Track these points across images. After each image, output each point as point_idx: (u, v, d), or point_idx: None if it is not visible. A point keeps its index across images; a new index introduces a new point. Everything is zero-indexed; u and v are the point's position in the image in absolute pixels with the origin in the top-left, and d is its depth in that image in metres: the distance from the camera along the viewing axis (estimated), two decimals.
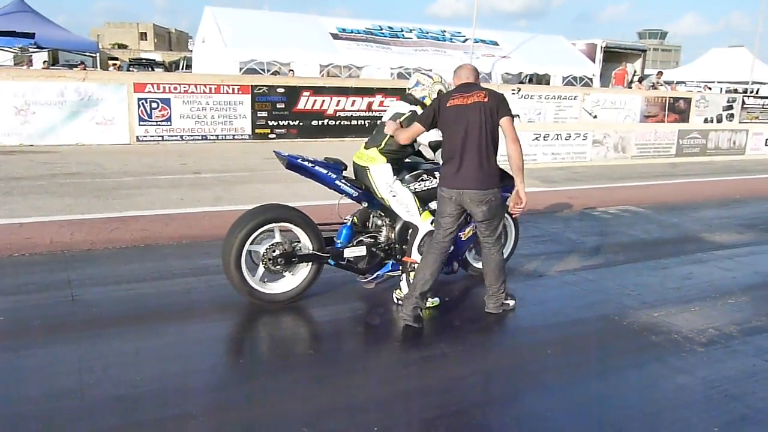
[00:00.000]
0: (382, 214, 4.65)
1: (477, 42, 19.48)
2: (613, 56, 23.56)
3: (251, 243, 4.17)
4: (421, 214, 4.43)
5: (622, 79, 20.98)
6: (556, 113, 17.62)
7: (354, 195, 4.49)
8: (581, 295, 4.93)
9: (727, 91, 28.04)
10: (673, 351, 3.93)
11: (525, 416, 3.19)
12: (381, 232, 4.65)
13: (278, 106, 14.45)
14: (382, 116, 4.72)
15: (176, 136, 13.04)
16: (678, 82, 32.31)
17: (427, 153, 4.97)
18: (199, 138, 13.26)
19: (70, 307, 4.24)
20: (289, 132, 14.66)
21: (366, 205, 4.63)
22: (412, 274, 4.33)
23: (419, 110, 4.45)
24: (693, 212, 8.42)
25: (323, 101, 14.98)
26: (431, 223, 4.36)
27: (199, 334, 3.95)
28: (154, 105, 12.75)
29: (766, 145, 16.22)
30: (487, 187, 4.02)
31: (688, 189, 10.64)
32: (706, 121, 19.96)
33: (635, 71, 23.32)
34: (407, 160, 4.74)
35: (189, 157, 11.25)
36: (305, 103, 14.76)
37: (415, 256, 4.40)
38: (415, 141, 4.47)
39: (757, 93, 26.88)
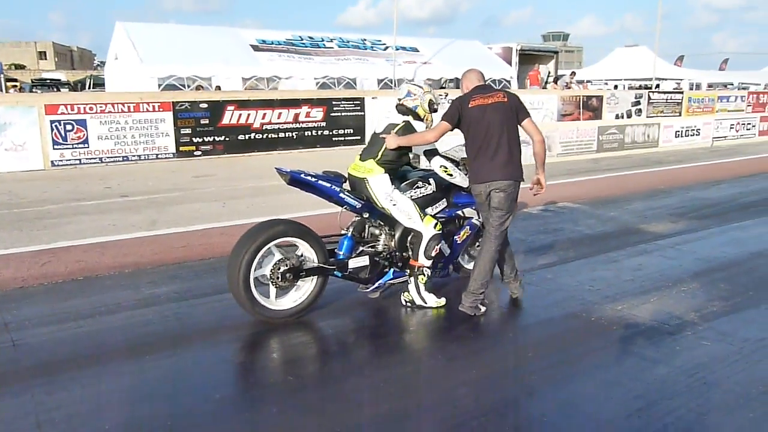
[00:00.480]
0: (381, 224, 4.69)
1: (398, 49, 19.62)
2: (528, 58, 24.38)
3: (259, 260, 4.14)
4: (423, 220, 4.51)
5: (536, 79, 21.72)
6: None
7: (357, 206, 4.51)
8: (544, 295, 4.97)
9: (629, 88, 29.63)
10: (645, 343, 4.00)
11: (524, 423, 3.14)
12: (379, 241, 4.70)
13: (202, 121, 14.01)
14: (375, 129, 4.76)
15: (95, 158, 12.36)
16: (586, 81, 33.89)
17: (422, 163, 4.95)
18: (120, 159, 12.63)
19: (12, 353, 3.84)
20: (216, 148, 14.22)
21: (367, 215, 4.63)
22: (420, 277, 4.52)
23: (411, 120, 4.57)
24: (626, 205, 8.74)
25: (249, 115, 14.64)
26: (435, 227, 4.51)
27: (163, 370, 3.67)
28: (68, 127, 12.03)
29: (676, 136, 17.19)
30: (512, 178, 4.36)
31: (616, 183, 11.08)
32: (617, 117, 20.94)
33: (549, 72, 24.23)
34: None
35: (112, 180, 10.66)
36: (230, 117, 14.37)
37: (422, 260, 4.53)
38: (411, 150, 4.60)
39: (658, 88, 28.50)
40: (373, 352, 4.09)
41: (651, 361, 3.74)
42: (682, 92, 25.46)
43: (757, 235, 7.01)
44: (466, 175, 4.74)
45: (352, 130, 16.13)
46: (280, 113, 15.13)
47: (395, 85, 19.04)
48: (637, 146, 16.07)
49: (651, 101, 22.77)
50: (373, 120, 16.26)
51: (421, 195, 4.67)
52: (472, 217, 5.01)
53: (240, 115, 14.49)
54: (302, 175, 4.29)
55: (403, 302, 4.64)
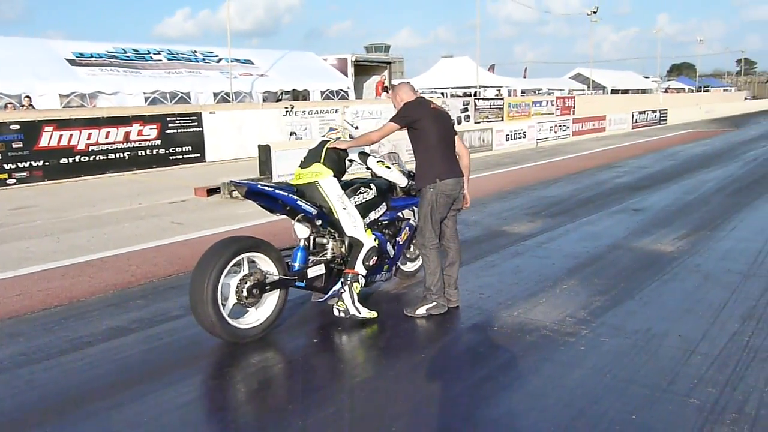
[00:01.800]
0: (332, 231, 4.71)
1: (233, 61, 18.88)
2: (363, 69, 24.80)
3: (224, 279, 4.03)
4: (365, 231, 4.62)
5: (381, 87, 22.18)
6: (321, 127, 17.87)
7: (314, 213, 4.51)
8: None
9: (452, 96, 31.40)
10: (552, 347, 4.04)
11: None
12: (327, 249, 4.72)
13: (14, 145, 12.42)
14: (308, 149, 4.87)
15: None
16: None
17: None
18: None
19: None
20: (33, 174, 12.64)
21: (320, 222, 4.62)
22: (355, 285, 4.54)
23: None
24: (483, 208, 9.06)
25: (71, 135, 13.22)
26: (375, 241, 4.66)
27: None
28: None
29: (506, 140, 18.42)
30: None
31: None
32: None
33: (386, 81, 24.83)
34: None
35: None
36: (48, 139, 12.87)
37: (359, 268, 4.57)
38: (347, 156, 4.79)
39: (483, 95, 30.53)
40: (365, 360, 3.74)
41: (565, 365, 3.77)
42: (503, 98, 27.48)
43: (605, 228, 7.58)
44: (405, 174, 5.07)
45: (190, 148, 15.20)
46: (108, 132, 13.83)
47: (233, 99, 18.30)
48: (475, 150, 16.94)
49: (477, 107, 24.27)
50: (213, 135, 15.45)
51: (364, 200, 4.83)
52: (410, 218, 5.18)
53: (61, 136, 13.02)
54: (259, 186, 4.37)
55: (336, 312, 4.56)
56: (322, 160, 4.64)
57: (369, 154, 5.06)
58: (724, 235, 7.07)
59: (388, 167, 5.03)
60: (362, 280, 4.64)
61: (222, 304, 4.00)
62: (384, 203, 5.03)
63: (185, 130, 15.12)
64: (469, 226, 7.85)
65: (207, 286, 3.90)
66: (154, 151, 14.51)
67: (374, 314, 4.59)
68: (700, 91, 62.85)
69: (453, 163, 4.68)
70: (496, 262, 6.13)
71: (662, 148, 18.32)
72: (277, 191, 4.41)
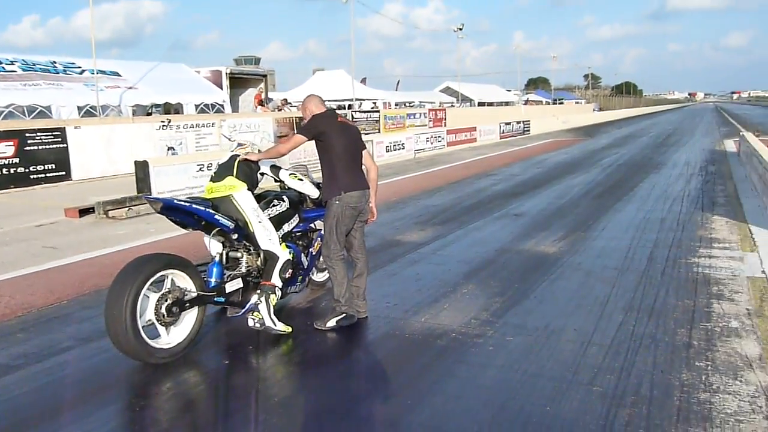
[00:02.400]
0: (247, 245, 4.67)
1: (98, 73, 17.74)
2: (238, 82, 24.25)
3: (141, 299, 3.87)
4: (280, 245, 4.61)
5: (260, 101, 21.79)
6: (197, 142, 17.30)
7: (231, 226, 4.44)
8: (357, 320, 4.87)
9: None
10: (463, 350, 4.19)
11: None
12: (241, 263, 4.70)
13: None
14: (218, 162, 4.79)
15: None
16: (286, 103, 35.17)
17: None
18: None
19: None
20: None
21: (236, 236, 4.56)
22: (272, 297, 4.52)
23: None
24: None
25: None
26: (289, 254, 4.66)
27: None
28: None
29: (386, 151, 18.81)
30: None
31: None
32: None
33: (264, 94, 24.43)
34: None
35: None
36: None
37: (276, 281, 4.55)
38: (259, 169, 4.78)
39: (360, 107, 30.94)
40: (283, 374, 3.60)
41: (477, 366, 3.93)
42: (379, 111, 28.04)
43: (491, 232, 7.99)
44: (315, 186, 5.08)
45: (54, 165, 14.06)
46: None
47: (100, 113, 17.18)
48: None
49: (354, 120, 24.57)
50: (79, 152, 14.41)
51: (277, 213, 4.83)
52: (321, 229, 5.05)
53: None
54: (175, 201, 4.31)
55: (251, 323, 4.50)
56: (235, 174, 4.55)
57: (280, 167, 5.04)
58: (597, 234, 7.70)
59: (300, 179, 5.05)
60: (279, 292, 4.63)
61: (142, 327, 3.85)
62: (296, 215, 5.05)
63: (47, 146, 13.96)
64: (365, 235, 7.92)
65: (125, 311, 3.74)
66: (12, 170, 13.27)
67: (289, 329, 4.55)
68: (556, 104, 67.97)
69: (358, 176, 4.73)
70: (396, 271, 6.25)
71: (529, 157, 19.58)
72: (193, 206, 4.31)
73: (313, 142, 4.63)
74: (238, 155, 4.71)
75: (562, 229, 8.02)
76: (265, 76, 26.13)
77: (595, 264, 6.30)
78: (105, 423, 3.39)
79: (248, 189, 4.61)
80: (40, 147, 13.83)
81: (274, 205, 4.88)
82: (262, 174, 4.91)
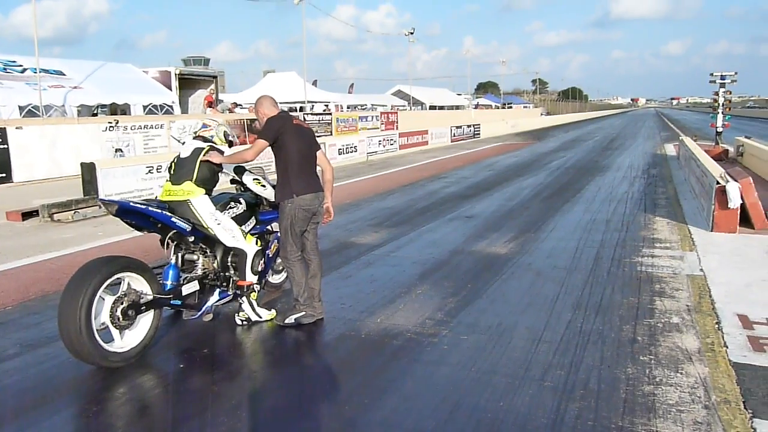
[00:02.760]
0: (204, 247, 4.71)
1: (41, 72, 17.13)
2: (188, 83, 23.80)
3: (96, 302, 3.83)
4: (245, 238, 4.71)
5: (211, 102, 21.45)
6: (146, 143, 16.92)
7: (188, 229, 4.47)
8: (313, 322, 4.87)
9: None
10: (419, 349, 4.26)
11: None
12: (197, 265, 4.72)
13: None
14: (179, 154, 4.79)
15: None
16: (235, 104, 34.74)
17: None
18: None
19: None
20: None
21: (192, 238, 4.57)
22: (252, 294, 4.74)
23: (214, 145, 4.82)
24: None
25: None
26: (256, 244, 4.79)
27: None
28: None
29: (339, 153, 18.82)
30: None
31: None
32: None
33: (215, 95, 24.05)
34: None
35: None
36: None
37: (250, 277, 4.73)
38: (222, 170, 4.75)
39: (312, 109, 30.82)
40: (239, 374, 3.61)
41: (432, 364, 4.01)
42: (331, 113, 27.99)
43: (444, 234, 8.11)
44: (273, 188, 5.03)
45: None
46: None
47: (43, 113, 16.61)
48: None
49: (306, 122, 24.46)
50: (21, 153, 13.89)
51: (234, 215, 4.84)
52: (277, 231, 5.10)
53: None
54: (131, 204, 4.28)
55: (239, 322, 4.76)
56: (194, 179, 4.58)
57: (245, 170, 5.10)
58: (546, 236, 7.92)
59: (263, 186, 5.09)
60: (257, 287, 4.83)
61: (96, 330, 3.81)
62: (253, 217, 5.09)
63: None
64: (318, 238, 7.92)
65: (80, 314, 3.69)
66: None
67: (273, 312, 4.85)
68: (505, 108, 69.25)
69: (311, 179, 4.76)
70: (351, 273, 6.29)
71: (480, 160, 19.92)
72: (150, 208, 4.30)
73: None
74: (202, 149, 4.68)
75: (513, 231, 8.21)
76: (215, 77, 25.75)
77: (545, 264, 6.49)
78: (56, 427, 3.31)
79: (207, 192, 4.63)
80: None
81: (230, 207, 4.90)
82: (233, 181, 5.07)
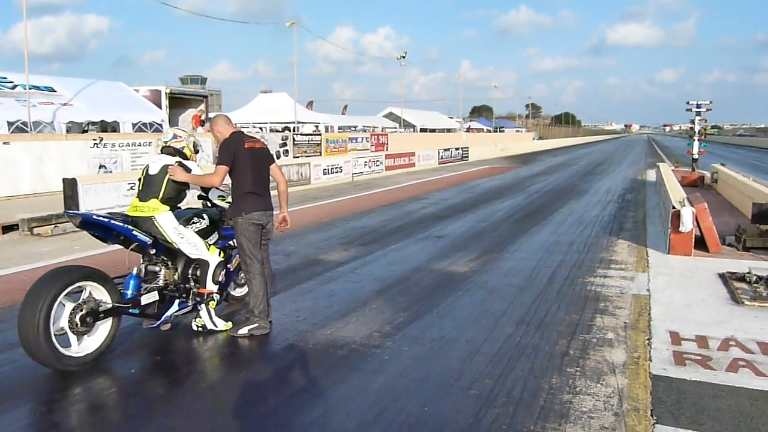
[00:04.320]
0: (165, 259, 4.99)
1: (31, 89, 17.44)
2: (178, 102, 24.16)
3: (56, 308, 4.07)
4: (208, 249, 5.02)
5: (199, 121, 21.77)
6: (133, 161, 17.16)
7: (148, 242, 4.73)
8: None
9: (272, 131, 31.78)
10: (360, 359, 4.50)
11: None
12: (159, 276, 4.97)
13: None
14: (147, 167, 5.04)
15: None
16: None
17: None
18: None
19: None
20: None
21: (154, 251, 4.85)
22: (211, 303, 5.02)
23: (181, 159, 5.06)
24: (301, 239, 9.45)
25: None
26: (219, 255, 5.09)
27: None
28: None
29: (324, 174, 19.12)
30: (273, 209, 5.13)
31: None
32: None
33: (203, 115, 24.41)
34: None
35: None
36: None
37: (210, 286, 5.03)
38: (187, 187, 5.07)
39: (299, 130, 31.22)
40: (184, 380, 4.02)
41: (370, 373, 4.24)
42: (320, 134, 28.37)
43: (410, 254, 8.36)
44: None
45: None
46: None
47: (32, 129, 16.87)
48: (293, 184, 17.36)
49: (296, 143, 24.85)
50: (7, 168, 14.12)
51: (197, 230, 5.09)
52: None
53: None
54: (94, 216, 4.56)
55: (195, 327, 5.04)
56: (161, 197, 4.86)
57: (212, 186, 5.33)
58: (508, 255, 8.19)
59: (228, 202, 5.31)
60: (216, 297, 5.09)
61: (54, 334, 4.02)
62: (215, 232, 5.33)
63: None
64: (288, 256, 8.19)
65: (39, 317, 3.93)
66: None
67: (229, 325, 5.09)
68: (497, 131, 69.99)
69: (261, 197, 5.05)
70: (312, 288, 6.53)
71: (463, 182, 20.25)
72: (112, 221, 4.58)
73: None
74: (170, 165, 4.94)
75: (478, 250, 8.48)
76: (206, 96, 26.12)
77: (500, 282, 6.74)
78: (5, 427, 3.52)
79: (172, 207, 4.92)
80: None
81: (194, 222, 5.15)
82: (200, 197, 5.43)
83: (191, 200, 5.54)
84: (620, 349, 4.73)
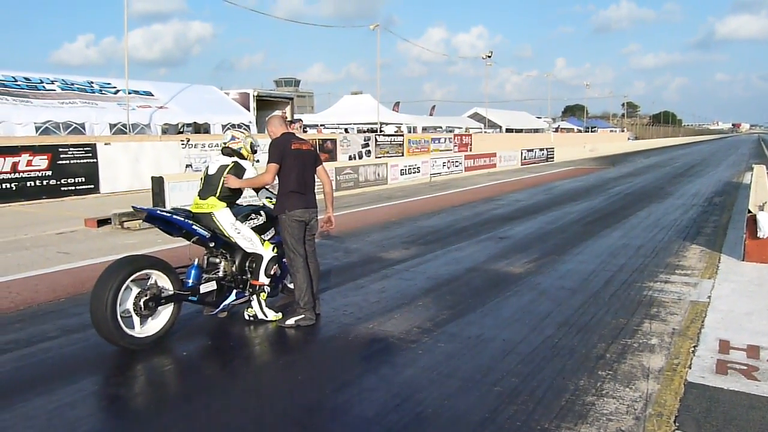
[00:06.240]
0: (224, 252, 5.38)
1: (131, 93, 18.84)
2: (265, 104, 25.26)
3: (123, 291, 4.52)
4: (263, 245, 5.36)
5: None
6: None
7: (207, 236, 5.13)
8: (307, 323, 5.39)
9: (358, 131, 32.44)
10: (394, 352, 4.68)
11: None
12: (219, 268, 5.34)
13: None
14: (207, 167, 5.49)
15: None
16: (320, 125, 36.13)
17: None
18: None
19: None
20: None
21: (213, 244, 5.27)
22: (262, 294, 5.35)
23: (238, 159, 5.40)
24: (366, 237, 9.73)
25: None
26: (273, 250, 5.40)
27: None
28: None
29: (401, 174, 19.38)
30: (318, 207, 5.44)
31: (356, 218, 12.18)
32: (350, 158, 22.83)
33: (287, 117, 25.37)
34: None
35: None
36: None
37: (263, 278, 5.35)
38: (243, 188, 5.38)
39: (382, 131, 31.68)
40: (229, 363, 4.53)
41: (400, 366, 4.41)
42: (402, 135, 28.70)
43: (470, 254, 8.42)
44: None
45: (83, 179, 15.04)
46: None
47: (130, 130, 18.22)
48: (370, 184, 17.76)
49: (378, 143, 25.29)
50: (108, 167, 15.36)
51: (254, 225, 5.46)
52: None
53: None
54: (158, 212, 5.06)
55: (247, 317, 5.39)
56: (218, 194, 5.24)
57: (262, 188, 5.65)
58: (569, 258, 8.08)
59: (275, 204, 5.55)
60: (267, 289, 5.39)
61: (120, 315, 4.48)
62: (273, 228, 5.68)
63: (78, 161, 14.95)
64: (349, 253, 8.48)
65: (108, 296, 4.37)
66: (45, 182, 14.26)
67: (279, 315, 5.39)
68: (588, 131, 67.76)
69: (306, 195, 5.36)
70: (365, 284, 6.76)
71: (542, 184, 19.90)
72: (173, 216, 5.03)
73: None
74: (227, 166, 5.31)
75: (538, 252, 8.41)
76: (291, 98, 27.09)
77: (553, 284, 6.70)
78: (71, 394, 3.97)
79: (230, 204, 5.30)
80: (71, 161, 14.83)
81: (251, 218, 5.53)
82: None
83: (252, 198, 5.93)
84: (661, 355, 4.63)
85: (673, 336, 5.05)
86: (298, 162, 5.30)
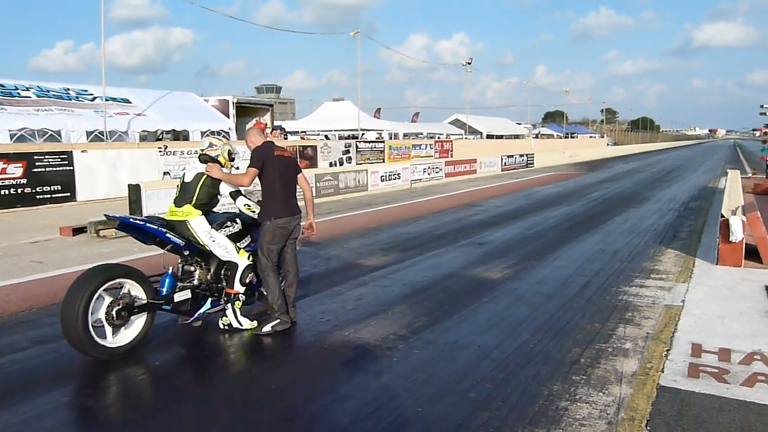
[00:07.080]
0: (198, 260, 5.34)
1: (108, 100, 18.65)
2: (245, 111, 25.15)
3: (95, 300, 4.45)
4: (238, 252, 5.32)
5: (262, 128, 22.55)
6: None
7: (181, 244, 5.08)
8: (282, 331, 5.35)
9: (339, 138, 32.42)
10: (369, 359, 4.67)
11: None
12: (194, 277, 5.30)
13: None
14: (183, 175, 5.43)
15: None
16: (301, 132, 36.10)
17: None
18: None
19: None
20: None
21: (187, 252, 5.20)
22: (237, 303, 5.31)
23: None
24: (345, 243, 9.71)
25: None
26: (248, 259, 5.38)
27: None
28: None
29: (381, 180, 19.39)
30: (300, 213, 5.46)
31: (334, 224, 12.14)
32: (331, 164, 22.78)
33: (266, 124, 25.27)
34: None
35: None
36: None
37: (237, 287, 5.33)
38: (219, 193, 5.33)
39: (363, 137, 31.68)
40: (203, 372, 4.47)
41: (375, 373, 4.39)
42: (383, 141, 28.73)
43: (448, 260, 8.44)
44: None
45: (59, 187, 14.83)
46: None
47: (108, 138, 18.03)
48: (350, 190, 17.75)
49: (359, 150, 25.27)
50: (84, 174, 15.17)
51: (231, 233, 5.39)
52: None
53: None
54: (131, 220, 5.01)
55: (222, 326, 5.35)
56: (194, 202, 5.19)
57: (240, 194, 5.58)
58: (547, 263, 8.13)
59: (253, 211, 5.58)
60: (242, 297, 5.37)
61: (92, 324, 4.41)
62: (248, 235, 5.62)
63: (54, 168, 14.75)
64: (327, 260, 8.45)
65: (79, 305, 4.32)
66: (19, 190, 14.05)
67: (254, 324, 5.33)
68: (568, 137, 68.39)
69: (289, 203, 5.38)
70: (342, 291, 6.74)
71: (521, 189, 20.03)
72: (147, 224, 4.97)
73: None
74: (203, 174, 5.26)
75: (516, 258, 8.46)
76: (271, 105, 27.02)
77: (530, 290, 6.73)
78: (40, 406, 3.90)
79: (205, 212, 5.22)
80: (47, 169, 14.62)
81: (227, 226, 5.44)
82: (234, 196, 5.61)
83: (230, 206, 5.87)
84: (634, 359, 4.67)
85: (647, 340, 5.09)
86: (281, 169, 5.35)
